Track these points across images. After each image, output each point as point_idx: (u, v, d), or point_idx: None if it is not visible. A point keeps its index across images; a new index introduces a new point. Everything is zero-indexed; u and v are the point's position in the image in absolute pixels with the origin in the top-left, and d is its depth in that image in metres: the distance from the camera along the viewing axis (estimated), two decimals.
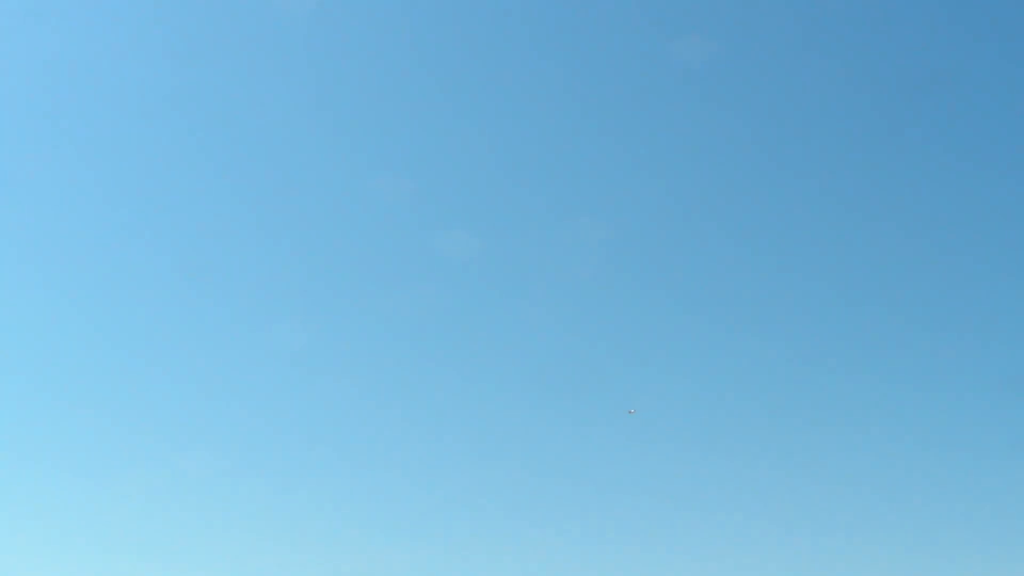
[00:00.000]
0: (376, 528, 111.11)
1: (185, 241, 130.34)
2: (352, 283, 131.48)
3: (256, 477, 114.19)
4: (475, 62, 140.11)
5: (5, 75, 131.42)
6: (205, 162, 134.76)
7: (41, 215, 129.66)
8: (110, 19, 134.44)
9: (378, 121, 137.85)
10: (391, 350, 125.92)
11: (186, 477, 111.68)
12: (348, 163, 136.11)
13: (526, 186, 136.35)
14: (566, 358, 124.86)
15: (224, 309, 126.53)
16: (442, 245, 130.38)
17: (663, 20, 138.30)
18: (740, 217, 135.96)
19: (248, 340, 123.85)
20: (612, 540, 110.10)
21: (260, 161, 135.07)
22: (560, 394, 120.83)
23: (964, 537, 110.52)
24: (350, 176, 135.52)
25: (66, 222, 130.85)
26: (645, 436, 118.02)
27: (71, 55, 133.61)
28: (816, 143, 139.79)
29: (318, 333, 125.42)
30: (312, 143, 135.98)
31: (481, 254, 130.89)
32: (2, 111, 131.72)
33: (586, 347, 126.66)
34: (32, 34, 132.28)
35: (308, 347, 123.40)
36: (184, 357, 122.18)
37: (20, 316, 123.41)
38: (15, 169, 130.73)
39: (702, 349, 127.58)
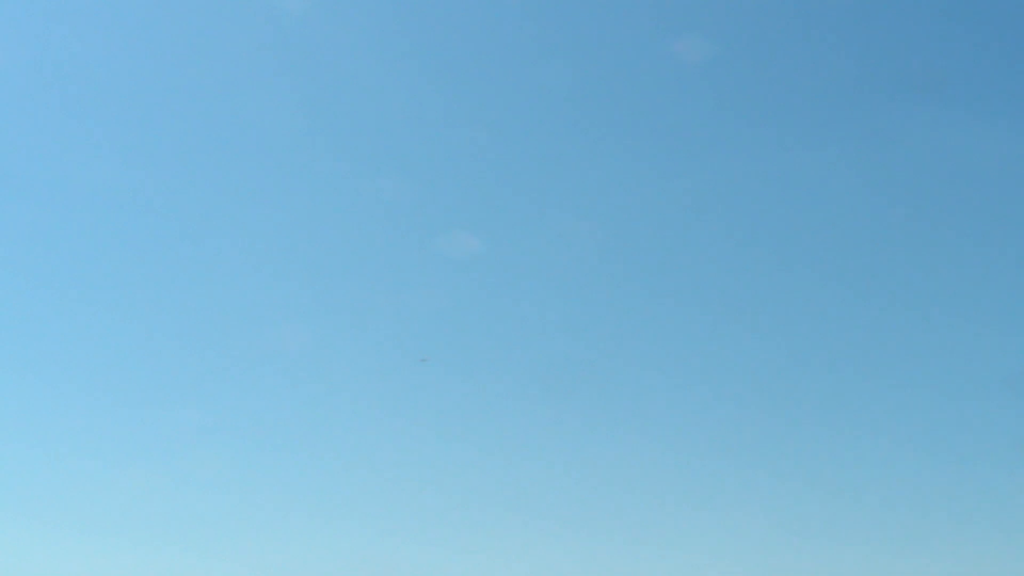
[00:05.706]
0: (378, 529, 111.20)
1: (184, 243, 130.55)
2: (353, 284, 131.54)
3: (258, 478, 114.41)
4: (475, 62, 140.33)
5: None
6: (204, 163, 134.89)
7: (42, 215, 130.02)
8: (104, 18, 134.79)
9: (378, 122, 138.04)
10: (393, 351, 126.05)
11: (187, 478, 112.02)
12: (348, 164, 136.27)
13: (528, 186, 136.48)
14: (569, 359, 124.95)
15: (225, 310, 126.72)
16: (444, 246, 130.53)
17: (664, 20, 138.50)
18: (741, 217, 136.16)
19: (249, 342, 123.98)
20: (616, 539, 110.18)
21: (260, 162, 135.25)
22: (562, 394, 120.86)
23: (966, 536, 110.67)
24: (350, 177, 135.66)
25: (66, 222, 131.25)
26: (648, 435, 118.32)
27: (66, 54, 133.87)
28: (817, 141, 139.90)
29: (320, 334, 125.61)
30: (312, 144, 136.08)
31: (483, 255, 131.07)
32: None
33: (589, 347, 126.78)
34: (27, 33, 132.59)
35: (310, 349, 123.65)
36: (184, 358, 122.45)
37: (21, 319, 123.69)
38: (12, 169, 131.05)
39: (703, 348, 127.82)
